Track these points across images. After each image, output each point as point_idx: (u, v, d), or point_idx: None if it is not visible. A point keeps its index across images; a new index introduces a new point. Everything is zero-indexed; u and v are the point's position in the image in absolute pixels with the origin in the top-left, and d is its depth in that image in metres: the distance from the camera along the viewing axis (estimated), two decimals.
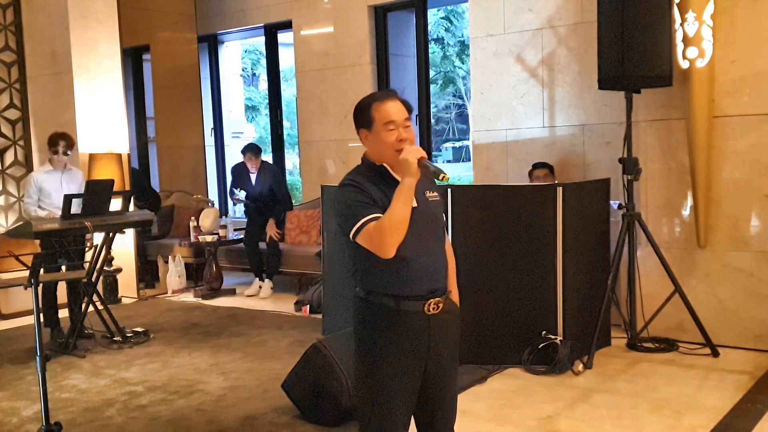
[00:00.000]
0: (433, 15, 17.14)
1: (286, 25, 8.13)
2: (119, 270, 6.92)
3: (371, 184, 2.31)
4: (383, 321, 2.32)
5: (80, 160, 6.66)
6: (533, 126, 5.73)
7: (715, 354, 4.67)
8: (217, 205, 8.20)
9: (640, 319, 4.97)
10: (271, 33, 8.57)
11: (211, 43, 9.32)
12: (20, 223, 5.84)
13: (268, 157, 9.09)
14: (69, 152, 5.65)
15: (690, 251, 4.97)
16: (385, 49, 7.37)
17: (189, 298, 7.23)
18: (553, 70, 5.60)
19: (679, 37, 4.72)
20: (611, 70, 4.67)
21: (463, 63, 18.76)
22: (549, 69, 5.62)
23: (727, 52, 4.72)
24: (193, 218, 7.56)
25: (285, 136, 9.68)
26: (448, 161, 20.42)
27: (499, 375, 4.46)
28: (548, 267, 4.57)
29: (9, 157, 7.31)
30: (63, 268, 5.44)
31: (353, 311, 2.42)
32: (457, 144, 20.94)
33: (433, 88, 15.78)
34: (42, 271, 4.03)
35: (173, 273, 7.42)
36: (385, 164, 2.36)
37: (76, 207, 5.20)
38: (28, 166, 7.31)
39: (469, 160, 8.94)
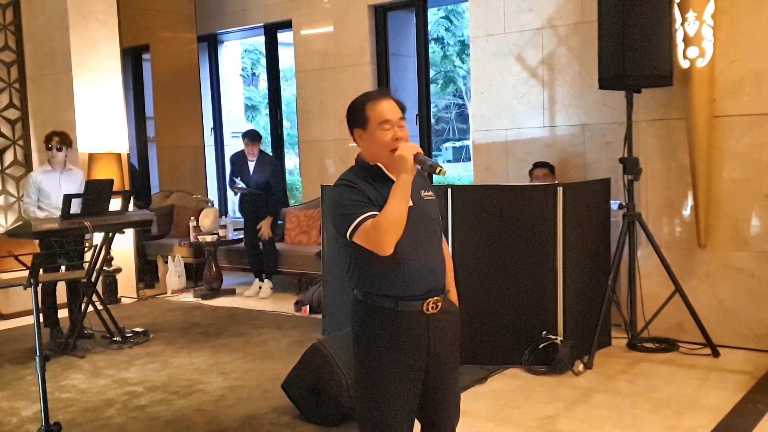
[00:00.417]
0: (433, 15, 17.13)
1: (286, 25, 8.13)
2: (119, 270, 6.92)
3: (366, 183, 2.30)
4: (382, 322, 2.31)
5: (80, 159, 6.65)
6: (533, 126, 5.73)
7: (715, 354, 4.67)
8: (216, 205, 8.20)
9: (641, 319, 4.96)
10: (271, 33, 8.57)
11: (211, 43, 9.32)
12: (20, 222, 5.82)
13: None
14: (62, 148, 5.62)
15: (690, 251, 4.96)
16: (385, 49, 7.37)
17: (189, 298, 7.22)
18: (554, 70, 5.60)
19: (679, 36, 4.72)
20: (611, 70, 4.66)
21: (463, 63, 18.75)
22: (549, 69, 5.62)
23: (727, 51, 4.71)
24: (192, 218, 7.55)
25: (285, 136, 9.68)
26: (448, 161, 20.42)
27: (499, 375, 4.46)
28: (548, 267, 4.56)
29: (9, 157, 7.30)
30: (62, 268, 5.44)
31: (351, 313, 2.41)
32: (457, 144, 20.93)
33: (433, 87, 15.78)
34: (41, 271, 4.03)
35: (173, 273, 7.42)
36: (379, 164, 2.35)
37: (75, 207, 5.20)
38: (28, 166, 7.30)
39: (469, 160, 8.93)
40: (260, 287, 7.19)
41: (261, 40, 9.10)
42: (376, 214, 2.20)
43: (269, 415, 3.92)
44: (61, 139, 5.61)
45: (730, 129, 4.77)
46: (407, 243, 2.24)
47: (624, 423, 3.67)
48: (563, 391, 4.16)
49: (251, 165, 7.17)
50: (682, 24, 4.70)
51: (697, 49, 4.67)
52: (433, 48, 18.18)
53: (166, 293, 7.42)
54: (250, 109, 18.12)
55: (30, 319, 5.21)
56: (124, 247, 6.92)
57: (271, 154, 8.06)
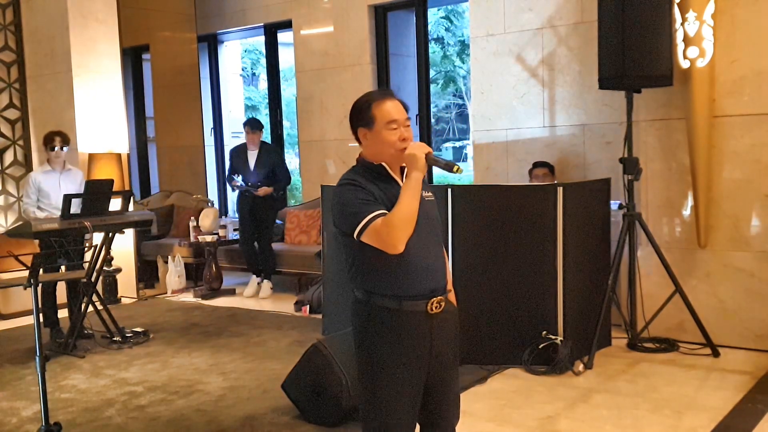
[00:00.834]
0: (433, 15, 17.12)
1: (286, 25, 8.13)
2: (119, 270, 6.92)
3: (370, 183, 2.30)
4: (385, 323, 2.30)
5: (80, 159, 6.66)
6: (533, 126, 5.73)
7: (715, 354, 4.67)
8: (216, 205, 8.20)
9: (641, 319, 4.96)
10: (270, 33, 8.57)
11: (211, 43, 9.32)
12: (20, 222, 5.82)
13: None
14: (65, 148, 5.64)
15: (690, 251, 4.96)
16: (385, 49, 7.37)
17: (189, 298, 7.22)
18: (554, 70, 5.60)
19: (679, 36, 4.72)
20: (611, 70, 4.66)
21: (463, 63, 18.74)
22: (549, 69, 5.62)
23: (727, 51, 4.71)
24: (192, 218, 7.55)
25: (285, 136, 9.68)
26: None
27: (499, 375, 4.46)
28: (548, 267, 4.56)
29: (9, 157, 7.30)
30: (62, 268, 5.44)
31: (353, 314, 2.40)
32: (457, 144, 20.92)
33: (433, 87, 15.76)
34: (42, 271, 4.03)
35: (173, 273, 7.42)
36: (383, 163, 2.35)
37: (75, 207, 5.20)
38: (28, 166, 7.30)
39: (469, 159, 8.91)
40: (259, 284, 7.16)
41: (261, 40, 9.10)
42: (384, 213, 2.20)
43: (269, 415, 3.92)
44: (63, 139, 5.61)
45: (730, 129, 4.77)
46: (412, 243, 2.24)
47: (624, 423, 3.67)
48: (563, 391, 4.16)
49: (252, 157, 7.02)
50: (682, 24, 4.70)
51: (697, 49, 4.67)
52: (433, 48, 18.17)
53: (166, 293, 7.42)
54: (251, 109, 18.11)
55: (30, 319, 5.21)
56: (124, 247, 6.92)
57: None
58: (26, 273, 3.52)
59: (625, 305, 5.03)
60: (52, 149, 5.57)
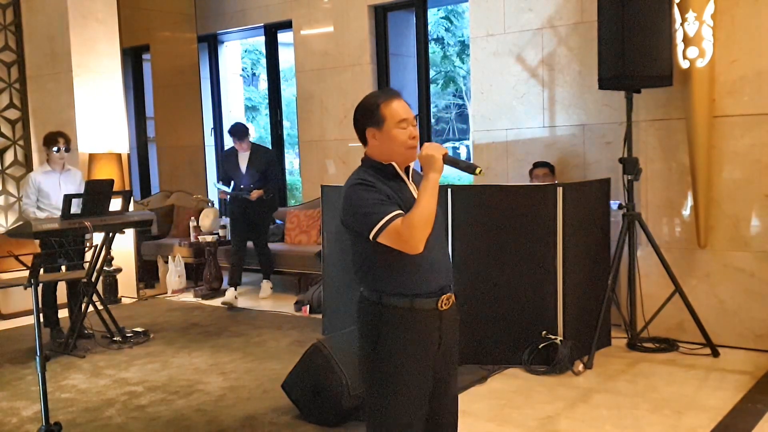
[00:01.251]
0: (433, 15, 17.11)
1: (286, 25, 8.13)
2: (119, 270, 6.93)
3: (381, 182, 2.30)
4: (397, 321, 2.30)
5: (80, 160, 6.66)
6: (533, 126, 5.73)
7: (715, 354, 4.67)
8: (216, 205, 8.20)
9: (641, 319, 4.97)
10: (271, 33, 8.57)
11: (211, 43, 9.32)
12: (20, 223, 5.83)
13: None
14: (68, 149, 5.65)
15: (690, 251, 4.96)
16: (385, 49, 7.37)
17: (189, 298, 7.23)
18: (554, 70, 5.60)
19: (679, 36, 4.72)
20: (611, 70, 4.66)
21: (463, 63, 18.73)
22: (549, 69, 5.62)
23: (727, 51, 4.72)
24: (192, 218, 7.56)
25: (285, 136, 9.67)
26: None
27: (499, 375, 4.46)
28: (548, 267, 4.56)
29: (9, 157, 7.30)
30: (63, 268, 5.44)
31: (360, 315, 2.39)
32: (457, 144, 20.92)
33: (433, 88, 15.75)
34: (42, 271, 4.03)
35: (173, 273, 7.42)
36: (393, 163, 2.35)
37: (75, 207, 5.20)
38: (28, 166, 7.30)
39: (470, 159, 8.90)
40: (236, 297, 6.77)
41: (261, 40, 9.10)
42: (401, 213, 2.21)
43: (269, 415, 3.92)
44: (66, 140, 5.62)
45: (730, 129, 4.77)
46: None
47: (624, 423, 3.67)
48: (563, 391, 4.16)
49: (243, 160, 6.83)
50: (682, 24, 4.70)
51: (697, 50, 4.67)
52: (433, 48, 18.16)
53: (167, 293, 7.42)
54: (251, 109, 18.11)
55: (30, 319, 5.21)
56: (124, 247, 6.92)
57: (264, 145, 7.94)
58: (26, 273, 3.52)
59: (625, 305, 5.03)
60: (57, 150, 5.57)
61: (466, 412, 3.67)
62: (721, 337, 4.80)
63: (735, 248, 4.81)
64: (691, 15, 4.66)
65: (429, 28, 8.18)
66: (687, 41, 4.70)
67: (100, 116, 6.95)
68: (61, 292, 5.74)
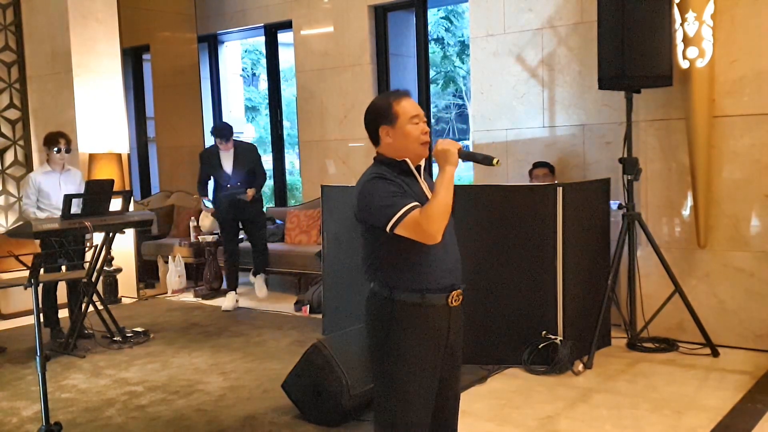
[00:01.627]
0: (433, 15, 17.11)
1: (286, 25, 8.13)
2: (119, 270, 6.93)
3: (396, 177, 2.35)
4: (407, 316, 2.33)
5: (80, 160, 6.66)
6: (533, 126, 5.73)
7: (715, 354, 4.67)
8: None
9: (640, 319, 4.97)
10: (271, 33, 8.57)
11: (211, 43, 9.33)
12: (20, 223, 5.83)
13: (268, 157, 9.08)
14: (69, 150, 5.66)
15: (690, 251, 4.96)
16: (385, 49, 7.37)
17: (189, 298, 7.23)
18: (553, 70, 5.60)
19: (679, 36, 4.72)
20: (611, 70, 4.67)
21: (463, 63, 18.74)
22: (549, 69, 5.62)
23: (727, 51, 4.72)
24: (192, 218, 7.56)
25: (285, 136, 9.67)
26: None
27: (499, 375, 4.46)
28: (548, 267, 4.57)
29: (9, 157, 7.30)
30: (63, 268, 5.44)
31: (370, 310, 2.41)
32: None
33: (433, 88, 15.75)
34: (42, 271, 4.03)
35: (173, 273, 7.42)
36: (406, 159, 2.40)
37: (75, 207, 5.20)
38: (28, 166, 7.30)
39: None
40: (237, 300, 6.63)
41: (261, 40, 9.10)
42: (418, 205, 2.26)
43: (269, 415, 3.92)
44: (67, 141, 5.62)
45: (730, 129, 4.77)
46: None
47: (624, 423, 3.67)
48: (563, 391, 4.17)
49: (228, 159, 6.48)
50: (682, 24, 4.70)
51: (697, 50, 4.67)
52: (433, 48, 18.16)
53: (167, 293, 7.42)
54: (251, 109, 18.11)
55: (30, 319, 5.21)
56: (124, 247, 6.93)
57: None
58: (26, 273, 3.52)
59: (625, 305, 5.04)
60: (58, 151, 5.57)
61: (466, 412, 3.67)
62: (721, 337, 4.80)
63: (735, 248, 4.81)
64: (691, 15, 4.66)
65: (429, 28, 8.18)
66: (687, 41, 4.70)
67: (100, 116, 6.95)
68: (61, 292, 5.74)
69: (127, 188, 6.68)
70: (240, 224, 6.71)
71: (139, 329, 5.70)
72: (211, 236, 7.25)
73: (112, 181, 5.64)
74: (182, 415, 4.00)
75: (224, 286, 6.98)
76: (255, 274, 6.86)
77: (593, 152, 5.50)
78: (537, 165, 5.52)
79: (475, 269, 4.59)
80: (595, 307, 4.75)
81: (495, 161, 2.34)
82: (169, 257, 7.50)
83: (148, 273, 7.76)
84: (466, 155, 2.36)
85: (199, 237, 7.32)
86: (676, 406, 3.88)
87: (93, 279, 5.50)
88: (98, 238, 5.50)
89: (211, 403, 4.17)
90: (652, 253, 4.80)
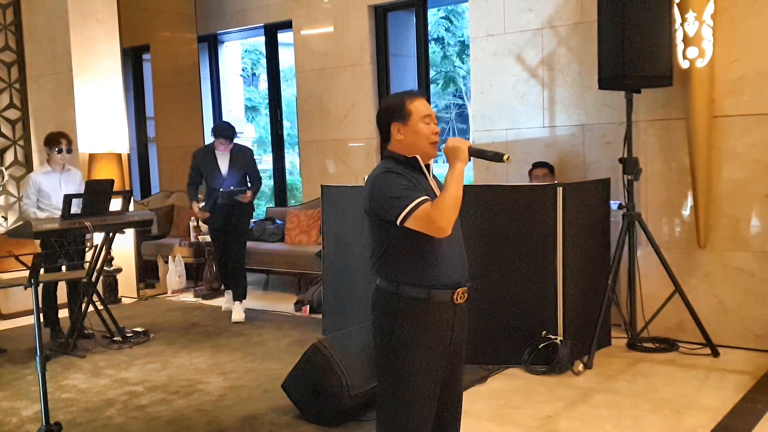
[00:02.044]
0: (433, 15, 17.12)
1: (286, 25, 8.13)
2: (119, 270, 6.93)
3: (406, 173, 2.38)
4: (413, 312, 2.35)
5: (80, 160, 6.66)
6: (533, 126, 5.73)
7: (715, 354, 4.67)
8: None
9: (641, 319, 4.97)
10: (271, 33, 8.57)
11: (211, 43, 9.32)
12: (20, 223, 5.83)
13: (268, 157, 9.07)
14: (71, 150, 5.66)
15: (690, 251, 4.96)
16: (385, 49, 7.37)
17: (189, 298, 7.23)
18: (553, 70, 5.60)
19: (679, 36, 4.72)
20: (611, 70, 4.66)
21: (463, 63, 18.74)
22: (549, 69, 5.62)
23: (727, 51, 4.72)
24: (192, 218, 7.55)
25: (285, 136, 9.67)
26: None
27: (499, 375, 4.46)
28: (548, 267, 4.57)
29: (9, 157, 7.30)
30: (63, 268, 5.44)
31: (376, 306, 2.43)
32: None
33: (433, 88, 15.75)
34: (42, 271, 4.03)
35: (173, 273, 7.42)
36: (417, 156, 2.44)
37: (75, 207, 5.20)
38: (28, 166, 7.30)
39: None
40: (243, 309, 6.21)
41: (261, 40, 9.10)
42: (428, 199, 2.29)
43: (269, 415, 3.92)
44: (68, 141, 5.62)
45: (730, 129, 4.77)
46: None
47: (624, 423, 3.67)
48: (563, 391, 4.17)
49: (223, 159, 6.16)
50: (682, 24, 4.70)
51: (697, 50, 4.67)
52: (433, 48, 18.17)
53: (167, 293, 7.42)
54: (251, 109, 18.11)
55: (30, 319, 5.21)
56: (124, 247, 6.93)
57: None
58: (26, 273, 3.52)
59: (625, 305, 5.04)
60: (59, 151, 5.56)
61: (466, 411, 3.66)
62: (721, 337, 4.80)
63: (735, 248, 4.81)
64: (691, 15, 4.67)
65: (429, 28, 8.18)
66: (687, 41, 4.70)
67: (100, 116, 6.95)
68: (61, 292, 5.74)
69: (127, 188, 6.68)
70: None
71: (139, 329, 5.70)
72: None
73: (112, 181, 5.63)
74: (182, 415, 4.00)
75: (227, 295, 6.53)
76: (236, 300, 6.25)
77: (593, 152, 5.50)
78: (537, 165, 5.52)
79: (475, 269, 4.56)
80: (595, 307, 4.75)
81: (506, 157, 2.39)
82: (169, 257, 7.50)
83: (148, 273, 7.76)
84: (476, 152, 2.40)
85: (199, 237, 7.32)
86: (676, 406, 3.88)
87: (93, 279, 5.50)
88: (98, 238, 5.49)
89: (211, 403, 4.17)
90: (652, 253, 4.80)
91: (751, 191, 4.74)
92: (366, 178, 2.49)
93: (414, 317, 2.34)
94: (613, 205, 5.04)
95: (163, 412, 4.04)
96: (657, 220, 5.09)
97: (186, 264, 7.57)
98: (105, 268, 6.18)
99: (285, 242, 7.47)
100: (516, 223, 4.62)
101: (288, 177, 10.19)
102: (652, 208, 5.11)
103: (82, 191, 5.42)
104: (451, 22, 18.52)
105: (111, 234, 5.48)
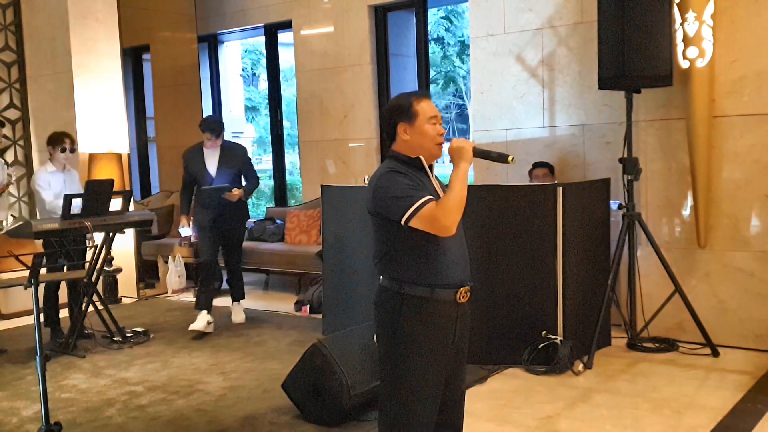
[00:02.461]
0: (433, 15, 17.12)
1: (286, 25, 8.13)
2: (119, 270, 6.93)
3: (410, 173, 2.40)
4: (416, 311, 2.36)
5: (80, 160, 6.65)
6: (533, 126, 5.73)
7: (715, 354, 4.67)
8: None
9: (640, 319, 4.97)
10: (271, 33, 8.57)
11: (211, 43, 9.32)
12: (20, 223, 5.83)
13: (268, 157, 9.07)
14: (74, 150, 5.67)
15: (690, 251, 4.96)
16: (385, 49, 7.37)
17: (189, 298, 7.21)
18: (553, 70, 5.60)
19: (679, 36, 4.72)
20: (611, 70, 4.67)
21: (463, 63, 18.74)
22: (549, 69, 5.62)
23: (727, 51, 4.72)
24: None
25: (285, 136, 9.67)
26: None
27: (499, 375, 4.46)
28: (548, 267, 4.57)
29: (9, 157, 7.29)
30: (65, 268, 5.44)
31: (379, 305, 2.44)
32: None
33: (433, 88, 15.75)
34: (45, 270, 4.03)
35: (173, 273, 7.42)
36: (420, 156, 2.45)
37: (75, 207, 5.20)
38: (28, 166, 7.30)
39: None
40: (208, 321, 5.67)
41: (261, 40, 9.10)
42: (432, 199, 2.31)
43: (269, 415, 3.92)
44: (72, 141, 5.62)
45: (730, 129, 4.77)
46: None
47: (624, 423, 3.67)
48: (563, 391, 4.17)
49: (212, 158, 5.79)
50: (682, 24, 4.70)
51: (697, 50, 4.67)
52: (433, 48, 18.17)
53: (167, 293, 7.42)
54: (251, 109, 18.12)
55: (30, 319, 5.21)
56: (124, 247, 6.93)
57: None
58: (26, 273, 3.52)
59: (625, 305, 5.04)
60: (63, 150, 5.56)
61: (466, 411, 3.67)
62: (721, 337, 4.80)
63: (735, 248, 4.82)
64: (691, 15, 4.67)
65: (429, 28, 8.18)
66: (687, 41, 4.70)
67: (100, 116, 6.95)
68: (62, 292, 5.73)
69: (127, 188, 6.68)
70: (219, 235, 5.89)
71: (139, 329, 5.70)
72: None
73: (112, 181, 5.64)
74: (182, 415, 4.00)
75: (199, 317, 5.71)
76: (234, 301, 6.15)
77: (593, 152, 5.49)
78: (537, 165, 5.52)
79: (475, 269, 4.56)
80: (595, 307, 4.75)
81: (510, 158, 2.41)
82: (169, 257, 7.50)
83: (148, 273, 7.76)
84: (480, 152, 2.42)
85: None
86: (676, 406, 3.88)
87: (93, 279, 5.50)
88: (98, 238, 5.49)
89: (211, 403, 4.17)
90: (652, 253, 4.80)
91: (751, 191, 4.74)
92: (367, 178, 2.49)
93: (417, 316, 2.35)
94: (613, 205, 5.04)
95: (163, 412, 4.04)
96: (657, 220, 5.09)
97: (186, 264, 7.57)
98: (105, 268, 6.18)
99: (285, 242, 7.47)
100: (516, 223, 4.62)
101: (288, 177, 10.19)
102: (652, 208, 5.11)
103: (81, 191, 5.43)
104: (451, 22, 18.53)
105: (111, 234, 5.48)
